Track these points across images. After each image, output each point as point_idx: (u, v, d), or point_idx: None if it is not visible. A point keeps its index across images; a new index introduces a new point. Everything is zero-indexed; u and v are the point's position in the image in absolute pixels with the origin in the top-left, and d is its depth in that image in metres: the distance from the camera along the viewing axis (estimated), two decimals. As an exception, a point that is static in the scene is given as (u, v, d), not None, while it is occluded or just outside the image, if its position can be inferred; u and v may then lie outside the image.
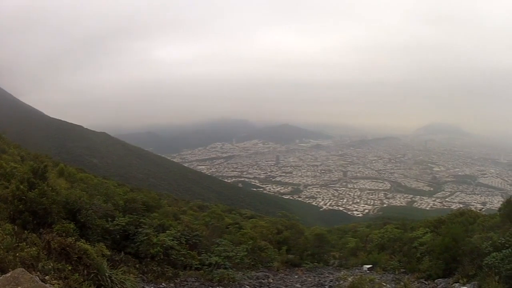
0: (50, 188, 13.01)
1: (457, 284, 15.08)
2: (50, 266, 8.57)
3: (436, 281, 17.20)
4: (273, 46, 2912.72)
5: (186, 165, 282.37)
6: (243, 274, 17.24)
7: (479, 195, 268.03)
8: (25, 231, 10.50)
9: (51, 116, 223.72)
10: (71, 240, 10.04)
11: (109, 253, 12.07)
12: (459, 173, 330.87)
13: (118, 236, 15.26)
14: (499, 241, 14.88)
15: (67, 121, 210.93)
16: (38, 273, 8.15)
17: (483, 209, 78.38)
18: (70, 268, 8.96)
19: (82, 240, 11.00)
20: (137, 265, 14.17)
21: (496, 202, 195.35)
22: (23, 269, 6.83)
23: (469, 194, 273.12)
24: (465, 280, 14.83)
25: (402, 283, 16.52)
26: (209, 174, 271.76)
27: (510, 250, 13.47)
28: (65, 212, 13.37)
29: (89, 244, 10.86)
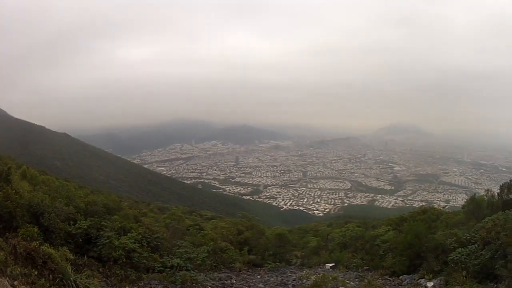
0: (14, 191, 12.94)
1: (422, 280, 15.55)
2: (17, 271, 8.60)
3: (401, 277, 17.63)
4: (233, 47, 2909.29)
5: (146, 166, 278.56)
6: (206, 276, 17.38)
7: (442, 193, 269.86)
8: (-7, 235, 10.47)
9: (14, 116, 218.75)
10: (35, 244, 10.06)
11: (72, 257, 12.06)
12: (421, 172, 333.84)
13: (80, 240, 15.12)
14: (464, 237, 15.46)
15: (29, 121, 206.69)
16: (7, 278, 8.17)
17: (447, 207, 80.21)
18: (36, 273, 9.00)
19: (46, 244, 11.01)
20: (100, 269, 14.13)
21: (460, 200, 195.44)
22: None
23: (432, 192, 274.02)
24: (430, 276, 15.29)
25: (366, 280, 16.87)
26: (168, 175, 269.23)
27: (476, 245, 14.01)
28: (29, 215, 13.29)
29: (53, 248, 10.90)
